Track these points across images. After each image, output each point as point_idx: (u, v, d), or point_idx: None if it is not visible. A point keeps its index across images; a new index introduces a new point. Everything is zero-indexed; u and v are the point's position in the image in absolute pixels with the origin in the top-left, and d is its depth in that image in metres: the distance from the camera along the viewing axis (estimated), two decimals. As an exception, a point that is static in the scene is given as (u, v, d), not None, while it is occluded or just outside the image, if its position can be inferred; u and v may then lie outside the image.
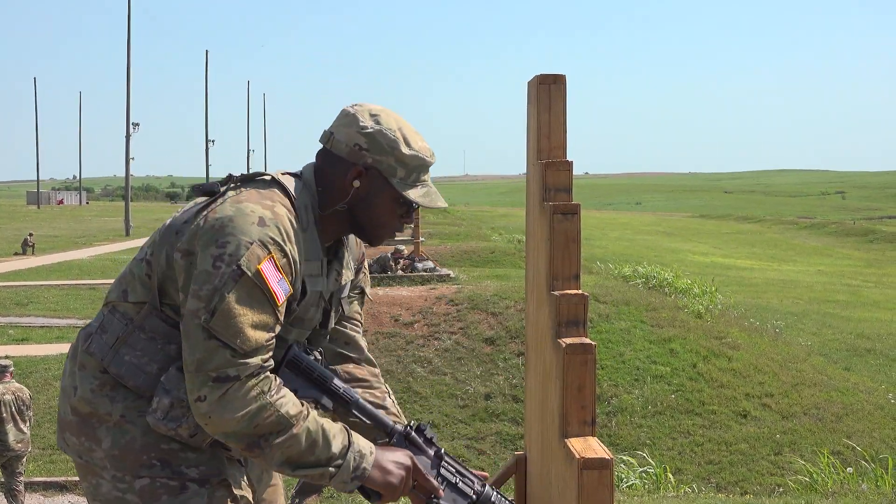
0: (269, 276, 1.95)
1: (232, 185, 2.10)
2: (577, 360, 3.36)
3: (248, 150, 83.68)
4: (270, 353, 1.98)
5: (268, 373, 1.97)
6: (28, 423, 9.66)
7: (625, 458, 9.60)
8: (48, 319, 19.71)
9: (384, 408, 2.44)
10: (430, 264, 17.45)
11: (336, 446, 1.99)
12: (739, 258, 38.03)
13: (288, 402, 1.96)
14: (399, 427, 2.20)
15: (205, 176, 69.77)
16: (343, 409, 2.15)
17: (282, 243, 1.99)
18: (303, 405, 1.99)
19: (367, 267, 2.47)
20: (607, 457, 3.18)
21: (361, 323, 2.49)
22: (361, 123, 2.13)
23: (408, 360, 12.98)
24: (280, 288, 1.97)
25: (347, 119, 2.15)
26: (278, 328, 2.01)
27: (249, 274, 1.93)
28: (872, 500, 4.49)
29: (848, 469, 7.22)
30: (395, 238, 25.78)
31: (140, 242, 39.82)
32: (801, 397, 12.44)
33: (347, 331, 2.46)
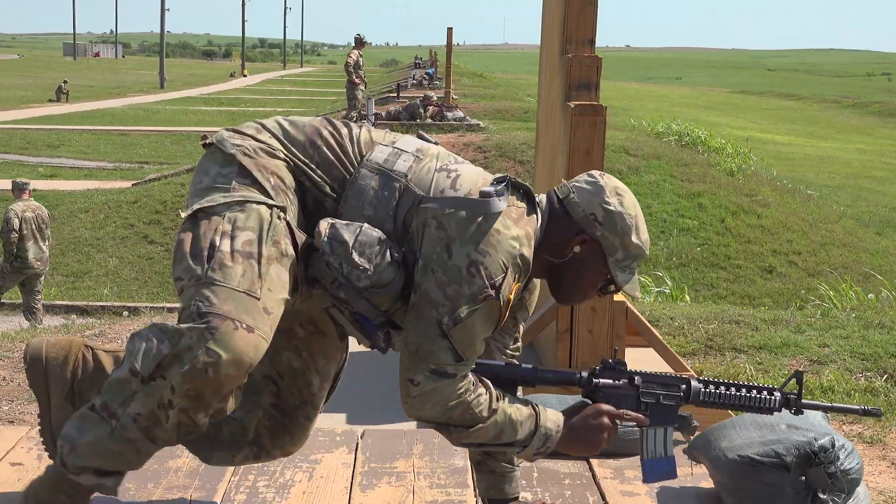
0: (514, 302, 2.11)
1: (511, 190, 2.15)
2: (585, 122, 3.24)
3: (286, 7, 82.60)
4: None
5: (471, 374, 2.11)
6: (47, 242, 9.78)
7: (641, 278, 9.53)
8: (78, 161, 19.84)
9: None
10: (459, 114, 17.20)
11: (522, 433, 2.15)
12: (778, 133, 37.24)
13: (483, 401, 2.10)
14: (584, 375, 2.29)
15: (241, 34, 69.01)
16: (530, 384, 2.30)
17: (525, 273, 2.11)
18: (496, 400, 2.13)
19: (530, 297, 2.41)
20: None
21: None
22: (605, 198, 2.16)
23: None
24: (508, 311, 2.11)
25: (594, 188, 2.18)
26: None
27: (501, 301, 2.05)
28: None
29: (869, 295, 7.15)
30: (425, 86, 25.37)
31: (174, 95, 40.09)
32: (829, 256, 12.31)
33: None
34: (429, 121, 16.47)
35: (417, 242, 2.08)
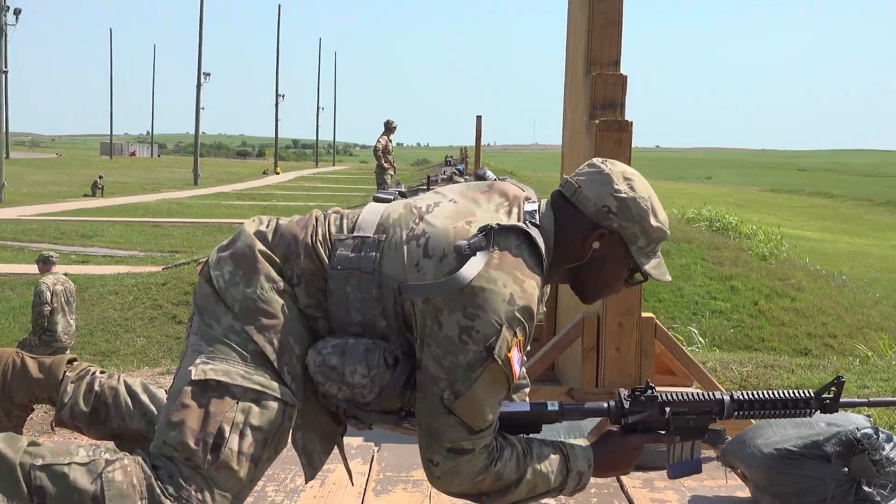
0: (515, 360, 1.97)
1: (486, 242, 1.99)
2: (610, 139, 3.18)
3: (318, 108, 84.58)
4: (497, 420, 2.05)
5: (494, 439, 2.04)
6: (74, 316, 9.78)
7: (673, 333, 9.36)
8: (110, 250, 20.09)
9: None
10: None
11: (555, 482, 2.11)
12: (810, 230, 37.07)
13: (511, 466, 2.04)
14: (612, 405, 2.20)
15: (274, 133, 70.59)
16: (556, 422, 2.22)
17: (527, 323, 1.98)
18: (524, 457, 2.07)
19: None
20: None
21: None
22: (616, 186, 2.08)
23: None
24: (518, 367, 2.00)
25: (601, 178, 2.10)
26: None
27: (499, 362, 1.95)
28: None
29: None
30: (447, 171, 25.63)
31: (207, 191, 40.74)
32: (866, 339, 12.03)
33: None
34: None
35: (413, 322, 2.02)
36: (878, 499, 2.11)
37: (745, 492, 2.45)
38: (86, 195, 34.40)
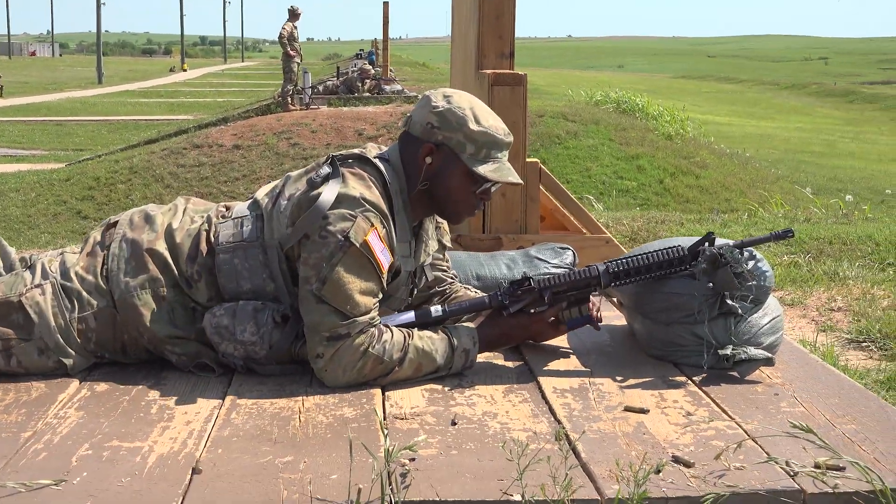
0: (375, 245, 2.16)
1: (332, 167, 2.24)
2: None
3: (225, 2, 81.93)
4: (376, 311, 2.20)
5: (373, 327, 2.17)
6: None
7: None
8: (11, 150, 19.39)
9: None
10: (398, 87, 17.15)
11: (440, 359, 2.23)
12: (718, 115, 37.68)
13: (390, 346, 2.18)
14: (489, 298, 2.38)
15: (180, 30, 68.25)
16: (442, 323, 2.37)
17: (381, 217, 2.19)
18: (405, 339, 2.20)
19: (445, 225, 2.56)
20: (520, 73, 3.03)
21: (448, 267, 2.61)
22: (433, 103, 2.26)
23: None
24: (384, 257, 2.18)
25: (423, 100, 2.30)
26: (381, 294, 2.22)
27: (357, 245, 2.14)
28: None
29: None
30: (358, 65, 25.24)
31: (112, 89, 39.47)
32: (767, 211, 12.44)
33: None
34: (367, 94, 16.33)
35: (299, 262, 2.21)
36: (741, 311, 2.21)
37: (621, 320, 2.55)
38: (-18, 96, 32.93)
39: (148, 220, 2.36)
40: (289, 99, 16.60)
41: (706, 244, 2.26)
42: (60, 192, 13.45)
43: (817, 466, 1.73)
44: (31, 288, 2.25)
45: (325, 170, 2.23)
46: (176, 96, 34.48)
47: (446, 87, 2.34)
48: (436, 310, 2.34)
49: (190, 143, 14.05)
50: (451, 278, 2.59)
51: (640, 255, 2.32)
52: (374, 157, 2.29)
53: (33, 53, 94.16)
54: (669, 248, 2.29)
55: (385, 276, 2.21)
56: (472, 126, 2.22)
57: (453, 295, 2.56)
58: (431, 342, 2.23)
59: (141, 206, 2.48)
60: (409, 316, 2.32)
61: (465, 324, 2.37)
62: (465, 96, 2.29)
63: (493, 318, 2.39)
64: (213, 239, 2.29)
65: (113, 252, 2.30)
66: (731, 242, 2.31)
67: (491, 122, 2.26)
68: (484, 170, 2.23)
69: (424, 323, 2.32)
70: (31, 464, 1.77)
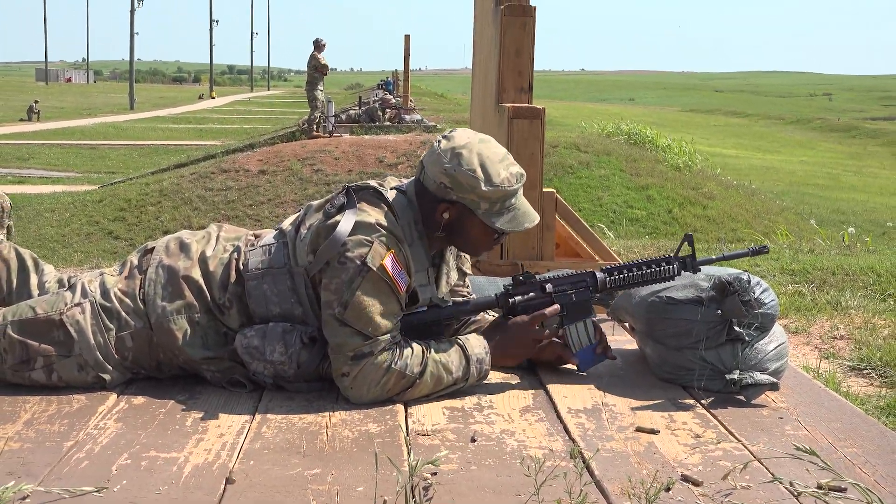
0: (391, 269, 2.25)
1: (346, 197, 2.34)
2: (516, 23, 3.27)
3: (252, 33, 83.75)
4: (397, 330, 2.31)
5: (395, 344, 2.28)
6: (7, 233, 9.56)
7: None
8: (47, 171, 19.64)
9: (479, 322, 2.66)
10: (417, 116, 17.34)
11: (456, 371, 2.33)
12: (725, 148, 37.81)
13: (411, 361, 2.27)
14: (496, 296, 2.49)
15: (209, 59, 69.25)
16: (453, 319, 2.52)
17: (397, 242, 2.28)
18: (423, 353, 2.30)
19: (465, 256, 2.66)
20: (539, 107, 3.14)
21: (469, 293, 2.69)
22: (444, 164, 2.29)
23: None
24: (401, 279, 2.27)
25: (433, 157, 2.33)
26: (401, 313, 2.31)
27: (374, 269, 2.23)
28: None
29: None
30: (380, 94, 25.45)
31: (143, 115, 39.93)
32: (772, 241, 12.52)
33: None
34: (387, 123, 16.52)
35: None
36: (747, 337, 2.30)
37: (633, 345, 2.63)
38: (21, 120, 33.32)
39: (183, 247, 2.46)
40: (313, 126, 16.78)
41: (690, 255, 2.43)
42: (93, 212, 13.68)
43: (820, 487, 1.79)
44: (72, 307, 2.34)
45: (341, 199, 2.32)
46: (204, 122, 35.05)
47: (458, 137, 2.35)
48: (446, 306, 2.45)
49: (218, 167, 14.26)
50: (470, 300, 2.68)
51: (636, 263, 2.48)
52: (392, 188, 2.38)
53: (69, 80, 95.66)
54: (662, 260, 2.46)
55: (403, 296, 2.31)
56: (485, 188, 2.27)
57: (473, 319, 2.63)
58: (448, 355, 2.32)
59: (170, 228, 2.59)
60: (421, 309, 2.42)
61: (473, 334, 2.45)
62: (473, 149, 2.30)
63: (495, 324, 2.49)
64: (241, 267, 2.38)
65: (150, 277, 2.39)
66: (712, 257, 2.50)
67: (503, 175, 2.30)
68: (500, 222, 2.32)
69: (437, 317, 2.43)
70: (73, 472, 1.86)
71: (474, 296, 2.68)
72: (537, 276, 2.50)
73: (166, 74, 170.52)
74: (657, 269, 2.44)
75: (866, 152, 38.77)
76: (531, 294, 2.47)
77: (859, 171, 30.48)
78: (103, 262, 12.46)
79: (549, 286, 2.46)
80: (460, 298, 2.63)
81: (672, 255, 2.49)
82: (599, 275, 2.48)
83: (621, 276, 2.47)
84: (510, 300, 2.45)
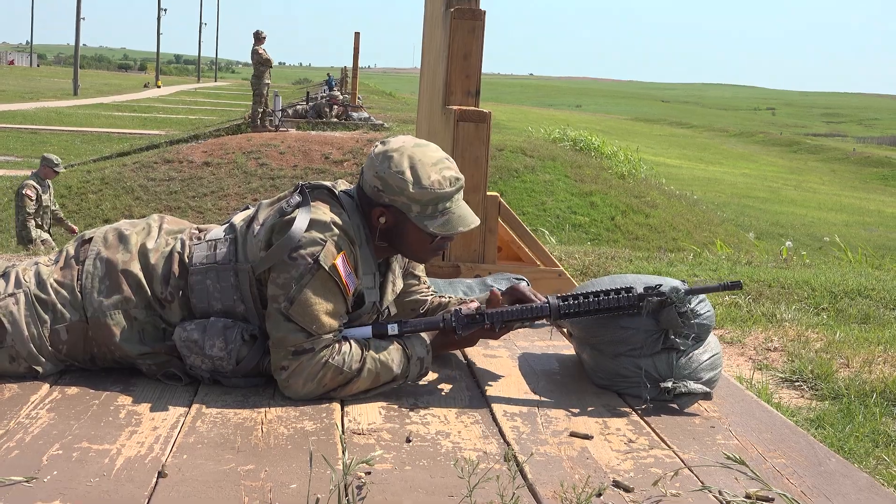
0: (342, 269, 2.26)
1: (301, 196, 2.35)
2: (464, 27, 3.28)
3: (201, 23, 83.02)
4: (341, 329, 2.31)
5: (336, 341, 2.28)
6: None
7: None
8: (-15, 155, 19.20)
9: (445, 305, 2.70)
10: (364, 114, 17.29)
11: (396, 368, 2.33)
12: (670, 157, 38.33)
13: (349, 358, 2.27)
14: (445, 320, 2.44)
15: (156, 48, 68.31)
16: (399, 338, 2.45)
17: (350, 243, 2.29)
18: (362, 350, 2.29)
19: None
20: (485, 111, 3.15)
21: (427, 288, 2.72)
22: (377, 168, 2.32)
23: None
24: (350, 280, 2.29)
25: (368, 161, 2.37)
26: (346, 315, 2.32)
27: (325, 268, 2.24)
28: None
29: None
30: (327, 91, 25.29)
31: (87, 101, 39.19)
32: (711, 253, 12.74)
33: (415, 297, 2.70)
34: (334, 119, 16.44)
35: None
36: (683, 347, 2.35)
37: (570, 350, 2.67)
38: (-41, 102, 32.53)
39: (122, 239, 2.42)
40: (258, 120, 16.63)
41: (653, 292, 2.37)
42: (33, 199, 13.33)
43: (748, 497, 1.83)
44: (5, 297, 2.30)
45: (296, 198, 2.32)
46: (149, 111, 34.56)
47: (393, 142, 2.36)
48: (392, 327, 2.41)
49: (161, 157, 14.07)
50: (429, 296, 2.69)
51: (592, 293, 2.39)
52: (341, 191, 2.38)
53: (12, 62, 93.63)
54: (621, 290, 2.39)
55: (350, 297, 2.32)
56: (413, 189, 2.28)
57: (436, 304, 2.67)
58: (388, 353, 2.32)
59: (111, 217, 2.56)
60: (366, 331, 2.39)
61: (416, 336, 2.43)
62: (405, 152, 2.32)
63: (445, 334, 2.47)
64: (186, 260, 2.36)
65: (87, 269, 2.35)
66: (682, 288, 2.40)
67: (433, 177, 2.30)
68: (433, 226, 2.31)
69: (380, 334, 2.39)
70: (3, 461, 1.82)
71: (432, 289, 2.71)
72: (487, 315, 2.41)
73: (112, 61, 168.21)
74: (618, 312, 2.38)
75: (807, 167, 39.65)
76: (476, 329, 2.42)
77: (799, 185, 31.14)
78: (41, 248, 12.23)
79: (498, 328, 2.41)
80: (421, 297, 2.67)
81: (635, 298, 2.39)
82: (554, 315, 2.40)
83: (577, 301, 2.39)
84: (456, 335, 2.43)
